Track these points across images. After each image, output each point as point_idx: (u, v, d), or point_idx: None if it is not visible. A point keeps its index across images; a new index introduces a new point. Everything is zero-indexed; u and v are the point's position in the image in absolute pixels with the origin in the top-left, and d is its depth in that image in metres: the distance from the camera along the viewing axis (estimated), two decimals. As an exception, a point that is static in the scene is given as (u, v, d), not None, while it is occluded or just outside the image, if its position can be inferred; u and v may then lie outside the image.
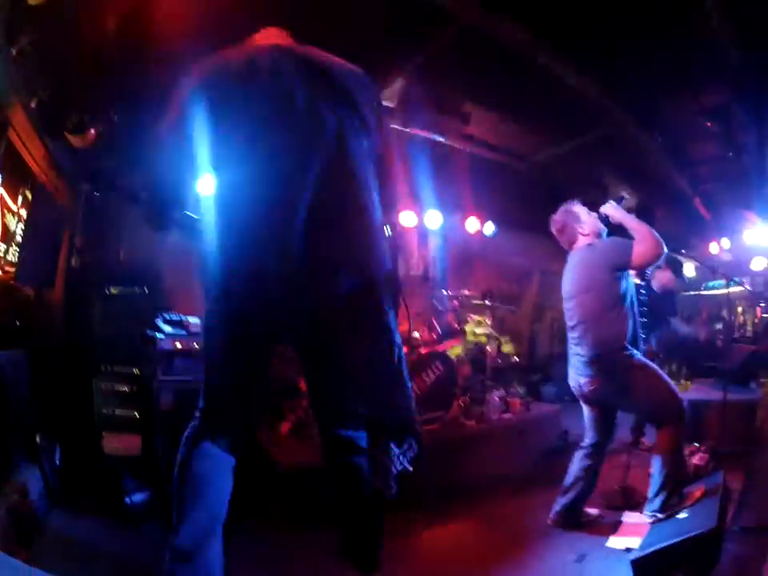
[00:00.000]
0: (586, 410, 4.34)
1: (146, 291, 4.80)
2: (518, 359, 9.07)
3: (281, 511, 4.29)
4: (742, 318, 12.96)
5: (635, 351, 3.98)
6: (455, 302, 7.77)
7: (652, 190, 8.10)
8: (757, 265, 11.97)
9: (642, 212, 8.78)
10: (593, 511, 4.44)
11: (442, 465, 4.79)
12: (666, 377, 4.01)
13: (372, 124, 2.51)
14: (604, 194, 8.47)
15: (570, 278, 4.23)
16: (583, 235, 4.21)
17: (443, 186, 7.11)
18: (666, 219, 9.58)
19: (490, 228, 8.42)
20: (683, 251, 7.37)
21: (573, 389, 4.29)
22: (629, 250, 3.88)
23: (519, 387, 8.09)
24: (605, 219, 4.22)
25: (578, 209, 4.28)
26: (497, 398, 7.08)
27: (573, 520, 4.27)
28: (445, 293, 7.84)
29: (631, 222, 4.02)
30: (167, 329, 4.47)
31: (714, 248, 11.03)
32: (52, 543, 3.39)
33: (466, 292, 7.88)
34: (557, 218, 4.34)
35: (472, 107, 5.72)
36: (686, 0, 4.24)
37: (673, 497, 3.88)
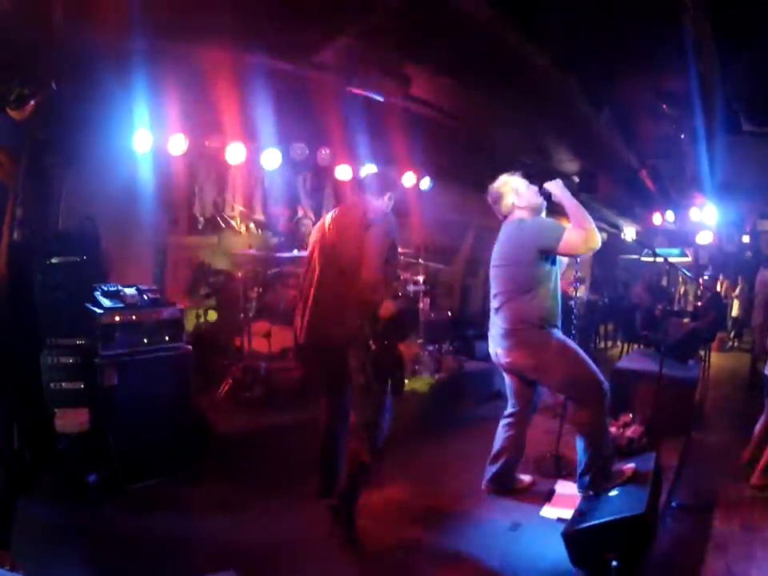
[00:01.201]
0: (506, 378, 4.59)
1: (85, 259, 4.87)
2: (450, 314, 9.38)
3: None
4: (683, 289, 13.50)
5: (554, 329, 4.17)
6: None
7: (596, 158, 8.33)
8: (702, 238, 12.62)
9: (584, 176, 9.21)
10: (525, 478, 4.76)
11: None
12: (586, 358, 4.17)
13: None
14: (544, 157, 8.78)
15: (498, 249, 4.35)
16: (519, 208, 4.30)
17: (380, 142, 7.35)
18: (609, 186, 9.95)
19: (426, 183, 8.67)
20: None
21: (492, 357, 4.50)
22: (558, 236, 3.98)
23: (452, 344, 8.44)
24: (547, 195, 4.32)
25: (518, 181, 4.37)
26: (429, 357, 7.45)
27: (505, 486, 4.57)
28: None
29: (572, 208, 4.12)
30: (105, 302, 4.56)
31: (656, 218, 11.55)
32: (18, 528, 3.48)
33: (399, 249, 8.11)
34: (495, 187, 4.41)
35: (414, 69, 5.80)
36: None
37: (600, 475, 4.09)
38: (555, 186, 4.28)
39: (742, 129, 5.58)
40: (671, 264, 6.50)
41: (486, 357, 7.03)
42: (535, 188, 4.35)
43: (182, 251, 7.05)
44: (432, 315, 8.64)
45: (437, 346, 8.38)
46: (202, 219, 7.17)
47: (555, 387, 4.63)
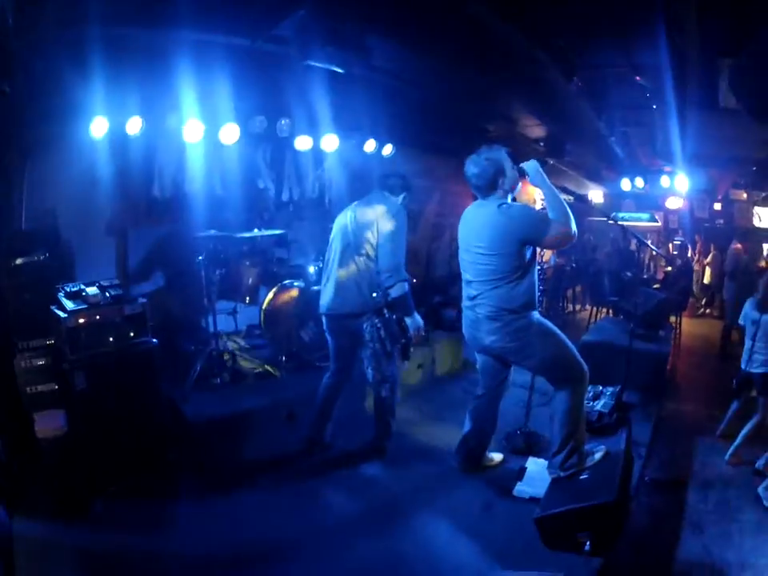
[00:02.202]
0: (481, 359, 4.70)
1: (48, 257, 4.92)
2: (415, 281, 9.49)
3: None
4: (650, 256, 13.63)
5: (533, 313, 4.27)
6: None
7: (564, 125, 8.39)
8: (672, 203, 12.83)
9: (550, 142, 9.29)
10: (496, 456, 5.00)
11: (348, 399, 5.27)
12: (566, 340, 4.32)
13: None
14: (509, 123, 8.86)
15: (475, 233, 4.29)
16: (503, 189, 4.27)
17: (341, 111, 7.40)
18: (577, 151, 10.11)
19: (388, 149, 8.76)
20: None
21: (468, 340, 4.63)
22: (545, 229, 4.04)
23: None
24: (522, 174, 4.30)
25: (505, 159, 4.26)
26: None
27: (477, 465, 4.81)
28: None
29: (550, 195, 4.17)
30: (69, 304, 4.59)
31: (625, 184, 11.72)
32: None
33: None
34: (480, 163, 4.25)
35: (377, 39, 5.80)
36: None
37: (572, 457, 4.25)
38: (533, 169, 4.28)
39: (719, 104, 5.62)
40: (631, 232, 6.60)
41: (452, 325, 7.18)
42: (516, 168, 4.31)
43: (144, 235, 7.05)
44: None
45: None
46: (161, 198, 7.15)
47: (535, 369, 4.76)
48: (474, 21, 4.88)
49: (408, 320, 4.82)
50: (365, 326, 4.79)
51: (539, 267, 4.98)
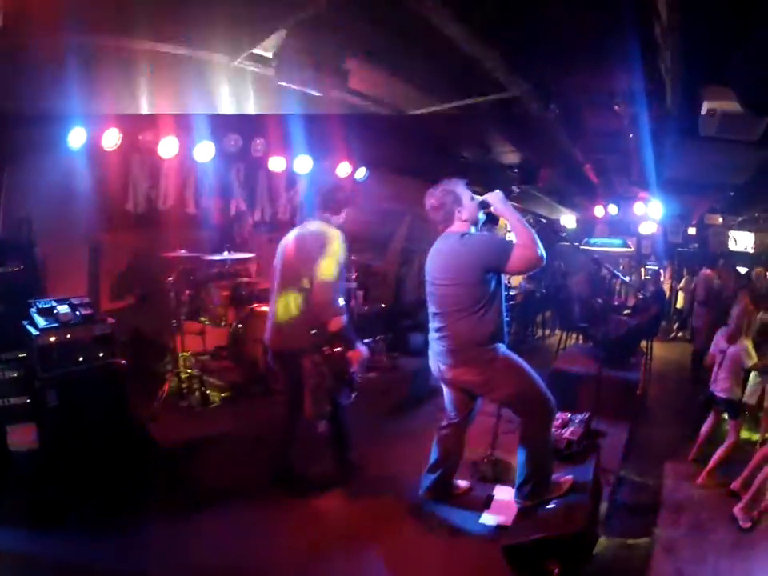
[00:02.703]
0: (446, 391, 4.73)
1: (22, 268, 5.00)
2: (384, 306, 9.57)
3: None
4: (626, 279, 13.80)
5: (499, 346, 4.29)
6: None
7: (539, 151, 8.52)
8: (645, 228, 13.11)
9: (525, 168, 9.45)
10: (463, 483, 5.04)
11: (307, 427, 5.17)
12: (532, 373, 4.35)
13: None
14: (484, 149, 9.00)
15: (439, 265, 4.39)
16: (461, 221, 4.36)
17: (315, 133, 7.50)
18: (552, 178, 10.30)
19: (362, 173, 8.88)
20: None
21: (433, 371, 4.62)
22: (507, 254, 4.08)
23: (385, 341, 8.71)
24: (485, 206, 4.38)
25: (462, 191, 4.38)
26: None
27: (444, 494, 4.83)
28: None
29: (515, 223, 4.21)
30: (41, 321, 4.66)
31: (598, 211, 11.95)
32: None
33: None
34: (436, 195, 4.41)
35: (355, 63, 5.87)
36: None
37: (539, 487, 4.34)
38: (496, 198, 4.35)
39: (699, 134, 5.72)
40: (599, 262, 6.71)
41: (420, 351, 7.23)
42: (478, 199, 4.40)
43: (116, 250, 7.03)
44: (365, 308, 8.90)
45: (371, 341, 8.60)
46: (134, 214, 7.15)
47: (501, 402, 4.76)
48: (451, 45, 4.97)
49: (353, 352, 4.64)
50: (305, 363, 4.62)
51: (507, 294, 5.13)
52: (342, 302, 4.56)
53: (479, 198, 4.42)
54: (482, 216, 4.44)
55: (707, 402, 6.05)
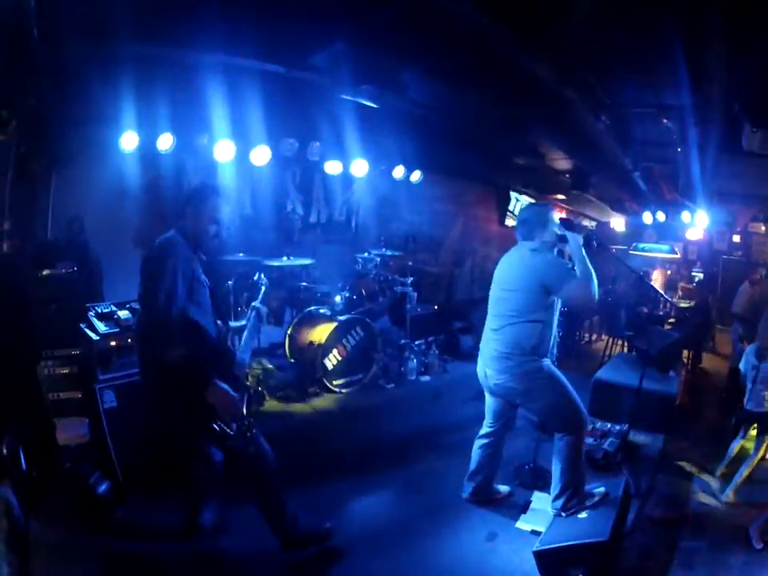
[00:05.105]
0: (488, 398, 4.83)
1: (75, 270, 5.08)
2: (437, 307, 9.59)
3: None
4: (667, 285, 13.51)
5: (546, 360, 4.43)
6: (377, 260, 8.38)
7: (590, 159, 8.39)
8: (692, 234, 12.85)
9: (576, 174, 9.37)
10: (503, 489, 5.10)
11: (363, 427, 5.41)
12: (571, 392, 4.43)
13: None
14: (539, 157, 8.97)
15: (508, 271, 4.58)
16: (540, 239, 4.49)
17: (371, 137, 7.59)
18: (602, 184, 10.25)
19: (416, 175, 8.91)
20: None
21: (479, 377, 4.73)
22: (563, 282, 4.23)
23: (436, 346, 8.73)
24: (561, 233, 4.51)
25: (551, 215, 4.56)
26: (414, 361, 7.72)
27: (484, 498, 4.93)
28: (366, 254, 8.40)
29: (579, 262, 4.33)
30: (101, 326, 4.76)
31: (647, 217, 11.71)
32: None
33: (387, 252, 8.46)
34: (528, 212, 4.80)
35: (410, 76, 5.87)
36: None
37: (572, 500, 4.40)
38: (573, 239, 4.43)
39: (743, 148, 5.67)
40: (641, 278, 6.63)
41: (471, 352, 7.24)
42: (558, 226, 4.53)
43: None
44: (419, 310, 8.91)
45: (423, 342, 8.74)
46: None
47: (538, 414, 4.83)
48: (506, 59, 4.93)
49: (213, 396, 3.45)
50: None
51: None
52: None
53: (567, 231, 4.47)
54: (557, 231, 4.54)
55: (738, 420, 5.93)
